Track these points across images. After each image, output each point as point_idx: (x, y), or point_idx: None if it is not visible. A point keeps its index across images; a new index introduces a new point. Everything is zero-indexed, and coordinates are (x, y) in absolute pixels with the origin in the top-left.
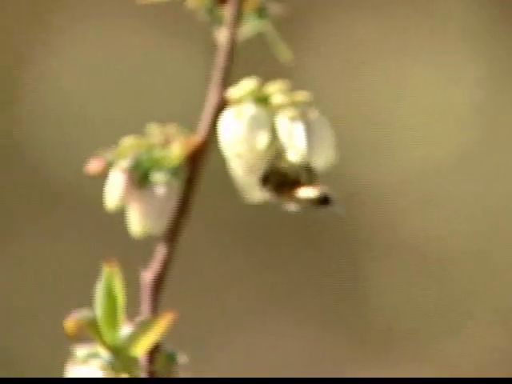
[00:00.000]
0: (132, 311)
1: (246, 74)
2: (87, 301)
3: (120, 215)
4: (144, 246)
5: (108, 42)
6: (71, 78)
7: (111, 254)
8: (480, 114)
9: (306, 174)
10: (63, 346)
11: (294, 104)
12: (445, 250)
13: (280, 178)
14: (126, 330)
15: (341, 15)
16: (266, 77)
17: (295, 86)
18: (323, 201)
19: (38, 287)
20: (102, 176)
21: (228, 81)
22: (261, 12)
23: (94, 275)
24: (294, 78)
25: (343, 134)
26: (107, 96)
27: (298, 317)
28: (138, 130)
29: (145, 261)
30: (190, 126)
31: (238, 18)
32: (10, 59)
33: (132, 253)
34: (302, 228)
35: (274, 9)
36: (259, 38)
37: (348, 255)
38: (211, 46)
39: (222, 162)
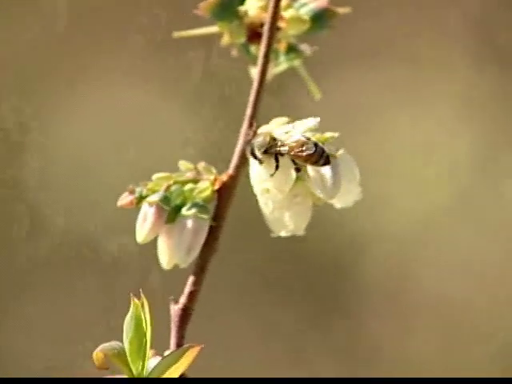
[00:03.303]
0: (165, 342)
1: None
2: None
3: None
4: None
5: (112, 99)
6: (80, 138)
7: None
8: (481, 167)
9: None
10: None
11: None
12: (446, 300)
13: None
14: (153, 361)
15: (344, 67)
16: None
17: None
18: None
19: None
20: (134, 210)
21: (258, 117)
22: (293, 51)
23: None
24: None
25: None
26: (116, 150)
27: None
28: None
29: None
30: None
31: (269, 56)
32: (16, 125)
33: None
34: (313, 278)
35: (304, 48)
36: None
37: (348, 305)
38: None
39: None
